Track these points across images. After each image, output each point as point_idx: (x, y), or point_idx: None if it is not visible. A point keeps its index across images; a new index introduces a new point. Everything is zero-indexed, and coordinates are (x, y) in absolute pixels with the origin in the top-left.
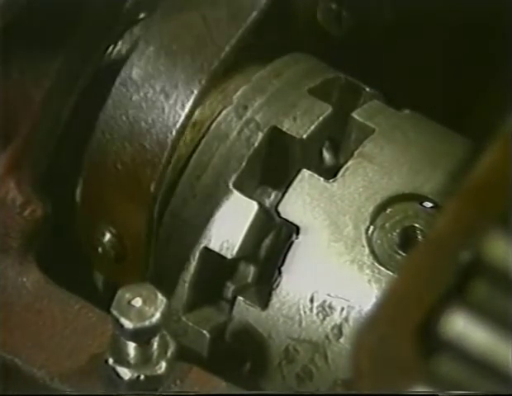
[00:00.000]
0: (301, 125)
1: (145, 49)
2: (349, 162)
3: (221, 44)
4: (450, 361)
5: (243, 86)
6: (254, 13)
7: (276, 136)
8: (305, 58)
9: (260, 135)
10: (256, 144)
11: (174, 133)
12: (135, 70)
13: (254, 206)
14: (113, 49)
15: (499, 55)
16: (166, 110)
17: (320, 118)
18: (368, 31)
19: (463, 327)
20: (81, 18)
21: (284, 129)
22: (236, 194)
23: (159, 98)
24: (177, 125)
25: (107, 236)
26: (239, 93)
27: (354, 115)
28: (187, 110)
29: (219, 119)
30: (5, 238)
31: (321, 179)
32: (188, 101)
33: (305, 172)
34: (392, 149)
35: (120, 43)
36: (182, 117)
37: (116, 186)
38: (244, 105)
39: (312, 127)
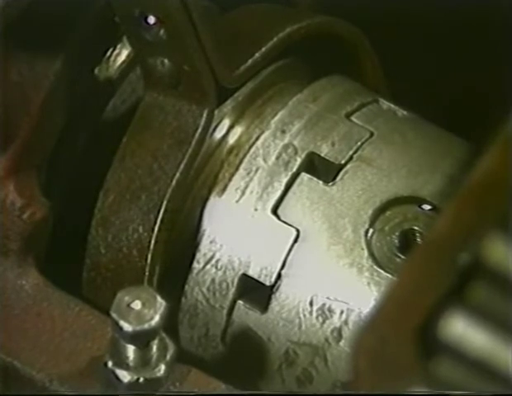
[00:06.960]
0: (339, 151)
1: (105, 199)
2: (348, 166)
3: (172, 172)
4: (449, 364)
5: (280, 110)
6: (197, 134)
7: (314, 161)
8: (342, 80)
9: (298, 160)
10: (294, 169)
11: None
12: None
13: (293, 232)
14: (112, 52)
15: (499, 56)
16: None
17: (359, 143)
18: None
19: (463, 329)
20: (80, 20)
21: (322, 155)
22: (274, 220)
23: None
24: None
25: None
26: (276, 118)
27: (353, 118)
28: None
29: (257, 143)
30: (4, 240)
31: (320, 182)
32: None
33: (304, 176)
34: (391, 152)
35: (119, 46)
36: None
37: None
38: (282, 129)
39: (350, 152)
